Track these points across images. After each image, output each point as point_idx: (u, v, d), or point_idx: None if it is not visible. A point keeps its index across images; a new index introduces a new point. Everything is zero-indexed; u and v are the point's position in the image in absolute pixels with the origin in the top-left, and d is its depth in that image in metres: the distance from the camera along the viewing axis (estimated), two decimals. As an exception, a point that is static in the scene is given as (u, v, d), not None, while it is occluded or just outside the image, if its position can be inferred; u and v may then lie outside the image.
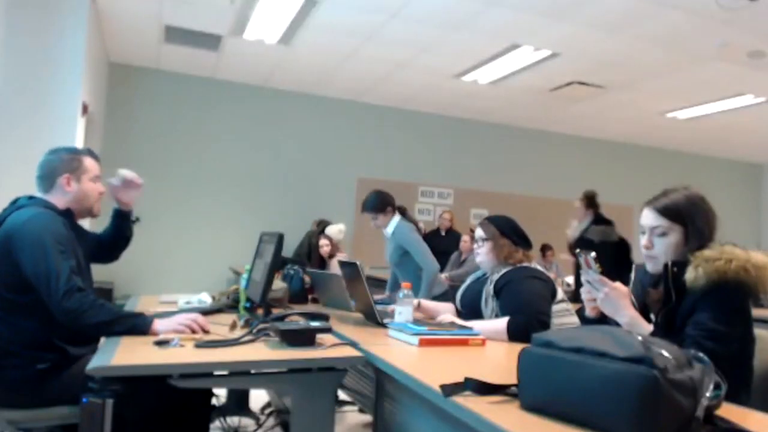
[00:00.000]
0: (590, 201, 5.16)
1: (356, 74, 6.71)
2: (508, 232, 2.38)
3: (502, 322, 2.08)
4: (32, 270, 1.78)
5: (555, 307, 2.21)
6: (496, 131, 8.66)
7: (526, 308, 2.10)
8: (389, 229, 3.73)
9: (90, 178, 2.05)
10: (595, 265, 1.57)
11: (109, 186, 2.26)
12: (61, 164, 2.00)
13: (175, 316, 1.91)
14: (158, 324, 1.84)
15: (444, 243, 6.78)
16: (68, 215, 2.00)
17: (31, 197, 1.99)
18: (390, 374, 1.53)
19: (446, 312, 2.49)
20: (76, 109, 4.50)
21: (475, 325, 2.08)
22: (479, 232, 2.43)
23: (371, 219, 3.82)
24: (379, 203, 3.73)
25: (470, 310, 2.40)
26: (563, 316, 2.21)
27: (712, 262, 1.49)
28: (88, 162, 2.06)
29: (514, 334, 2.03)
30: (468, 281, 2.59)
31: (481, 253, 2.40)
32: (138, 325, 1.82)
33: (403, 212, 3.88)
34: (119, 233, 2.35)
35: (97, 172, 2.09)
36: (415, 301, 2.40)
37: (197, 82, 7.07)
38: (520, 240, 2.39)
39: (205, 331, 1.87)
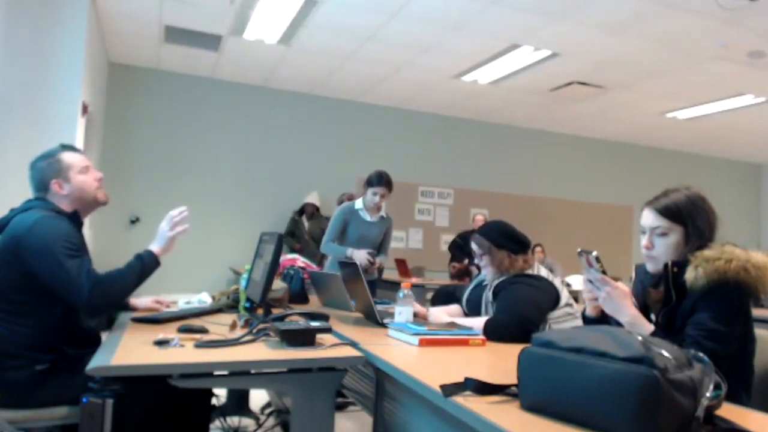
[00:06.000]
0: None
1: (356, 74, 6.71)
2: (503, 242, 2.32)
3: (483, 320, 2.07)
4: (49, 277, 1.78)
5: (557, 312, 2.19)
6: (496, 131, 8.66)
7: (509, 309, 2.10)
8: (383, 212, 3.96)
9: (78, 171, 1.99)
10: (597, 265, 1.57)
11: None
12: (43, 174, 1.96)
13: (160, 232, 2.05)
14: (159, 250, 2.03)
15: None
16: (75, 219, 1.98)
17: (38, 198, 1.98)
18: (390, 374, 1.53)
19: (454, 314, 2.51)
20: (76, 109, 4.50)
21: (463, 321, 2.10)
22: (474, 247, 2.40)
23: (383, 196, 3.88)
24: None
25: (476, 314, 2.41)
26: (566, 321, 2.19)
27: (712, 262, 1.49)
28: (68, 157, 1.99)
29: (489, 331, 1.98)
30: (472, 285, 2.59)
31: (483, 266, 2.39)
32: (148, 267, 1.98)
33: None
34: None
35: (84, 163, 2.02)
36: (424, 309, 2.44)
37: (197, 82, 7.08)
38: (518, 246, 2.33)
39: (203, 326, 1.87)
